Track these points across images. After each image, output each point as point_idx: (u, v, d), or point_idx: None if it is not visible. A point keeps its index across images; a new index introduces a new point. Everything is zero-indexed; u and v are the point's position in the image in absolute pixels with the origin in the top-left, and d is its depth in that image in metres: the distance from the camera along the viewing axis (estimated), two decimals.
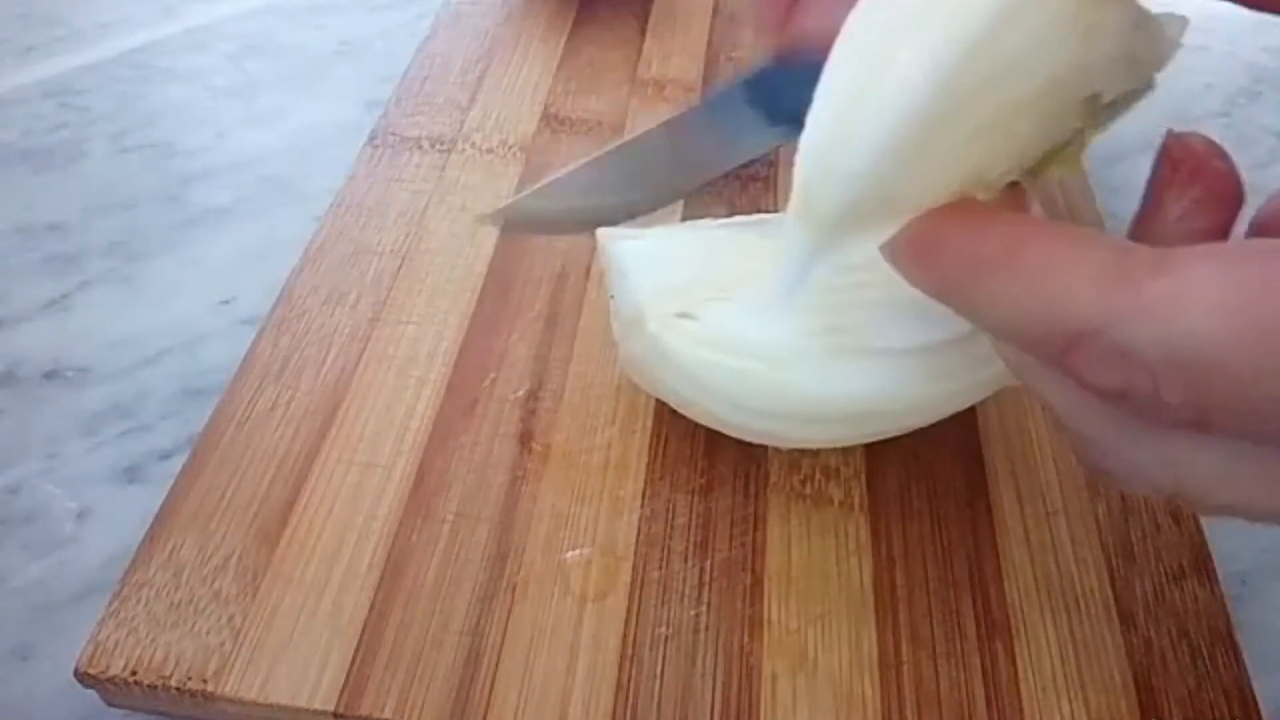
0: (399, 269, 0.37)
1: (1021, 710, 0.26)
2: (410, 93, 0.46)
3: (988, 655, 0.27)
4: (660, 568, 0.29)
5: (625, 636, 0.27)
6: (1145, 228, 0.22)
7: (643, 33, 0.50)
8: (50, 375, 0.36)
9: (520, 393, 0.33)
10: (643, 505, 0.30)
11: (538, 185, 0.35)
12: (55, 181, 0.44)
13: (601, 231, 0.31)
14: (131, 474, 0.33)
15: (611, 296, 0.30)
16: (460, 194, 0.41)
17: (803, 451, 0.32)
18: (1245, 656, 0.28)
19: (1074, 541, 0.30)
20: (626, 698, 0.26)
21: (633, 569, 0.29)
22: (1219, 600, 0.29)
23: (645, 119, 0.44)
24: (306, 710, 0.26)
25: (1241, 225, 0.22)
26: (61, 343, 0.37)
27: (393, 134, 0.43)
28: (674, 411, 0.31)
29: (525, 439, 0.32)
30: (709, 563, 0.29)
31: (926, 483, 0.31)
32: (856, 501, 0.31)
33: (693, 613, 0.28)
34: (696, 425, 0.31)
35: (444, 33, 0.50)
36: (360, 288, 0.37)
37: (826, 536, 0.30)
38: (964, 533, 0.30)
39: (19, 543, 0.31)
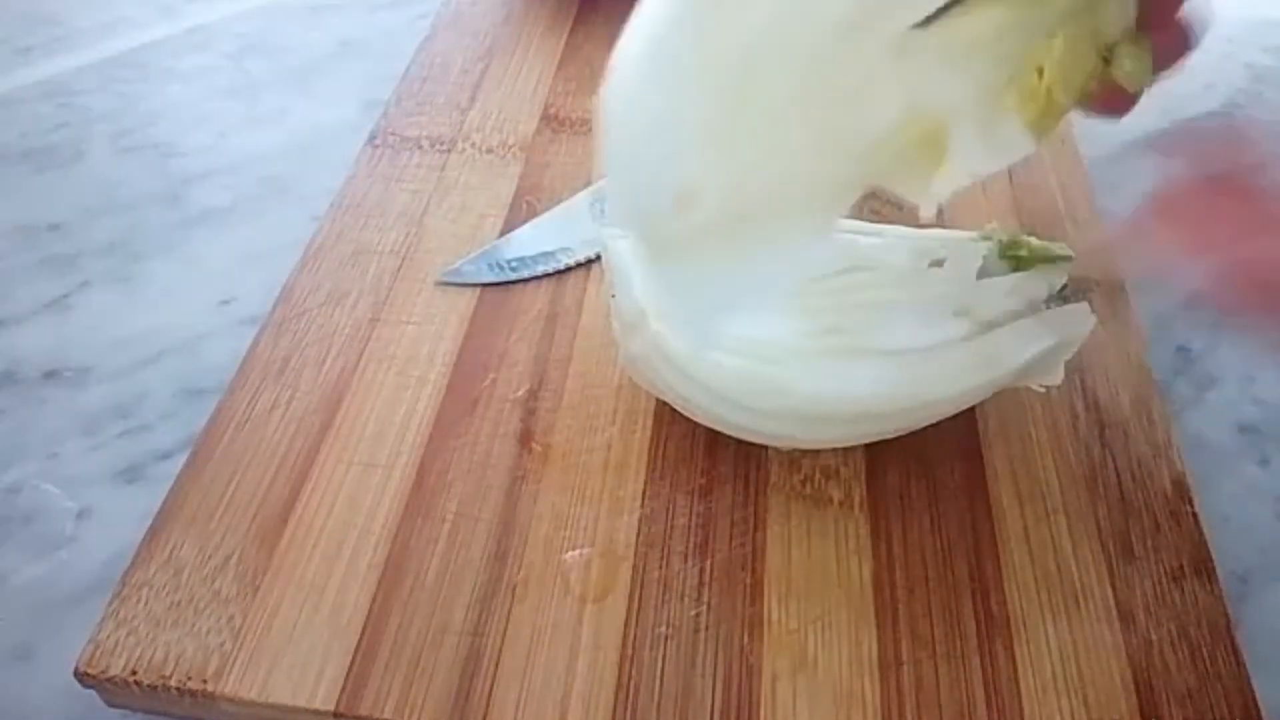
0: (399, 269, 0.37)
1: (1021, 710, 0.26)
2: (410, 93, 0.46)
3: (988, 655, 0.27)
4: (660, 568, 0.29)
5: (625, 636, 0.27)
6: None
7: None
8: (50, 375, 0.36)
9: (520, 393, 0.33)
10: (643, 505, 0.30)
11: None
12: (55, 181, 0.44)
13: (604, 231, 0.31)
14: (131, 474, 0.33)
15: (612, 296, 0.30)
16: (460, 194, 0.41)
17: (803, 451, 0.32)
18: (1245, 656, 0.28)
19: (1074, 541, 0.30)
20: (626, 698, 0.26)
21: (633, 569, 0.29)
22: (1219, 600, 0.29)
23: None
24: (306, 710, 0.26)
25: None
26: (61, 343, 0.37)
27: (393, 134, 0.43)
28: (674, 411, 0.31)
29: (525, 439, 0.32)
30: (709, 563, 0.29)
31: (926, 483, 0.31)
32: (856, 501, 0.31)
33: (693, 613, 0.28)
34: (696, 425, 0.31)
35: (444, 33, 0.50)
36: (360, 288, 0.37)
37: (826, 536, 0.30)
38: (964, 533, 0.30)
39: (19, 543, 0.31)
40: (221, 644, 0.27)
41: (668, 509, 0.30)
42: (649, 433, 0.32)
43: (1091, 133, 0.43)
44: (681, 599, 0.28)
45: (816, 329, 0.28)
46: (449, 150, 0.43)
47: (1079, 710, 0.26)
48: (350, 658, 0.27)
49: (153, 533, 0.29)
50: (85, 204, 0.43)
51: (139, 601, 0.28)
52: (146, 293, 0.39)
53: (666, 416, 0.32)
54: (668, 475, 0.31)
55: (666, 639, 0.27)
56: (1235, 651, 0.28)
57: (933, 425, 0.30)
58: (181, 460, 0.31)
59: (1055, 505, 0.31)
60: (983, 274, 0.31)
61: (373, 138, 0.43)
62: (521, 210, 0.40)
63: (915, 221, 0.30)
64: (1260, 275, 0.26)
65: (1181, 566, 0.29)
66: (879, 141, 0.25)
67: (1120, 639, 0.28)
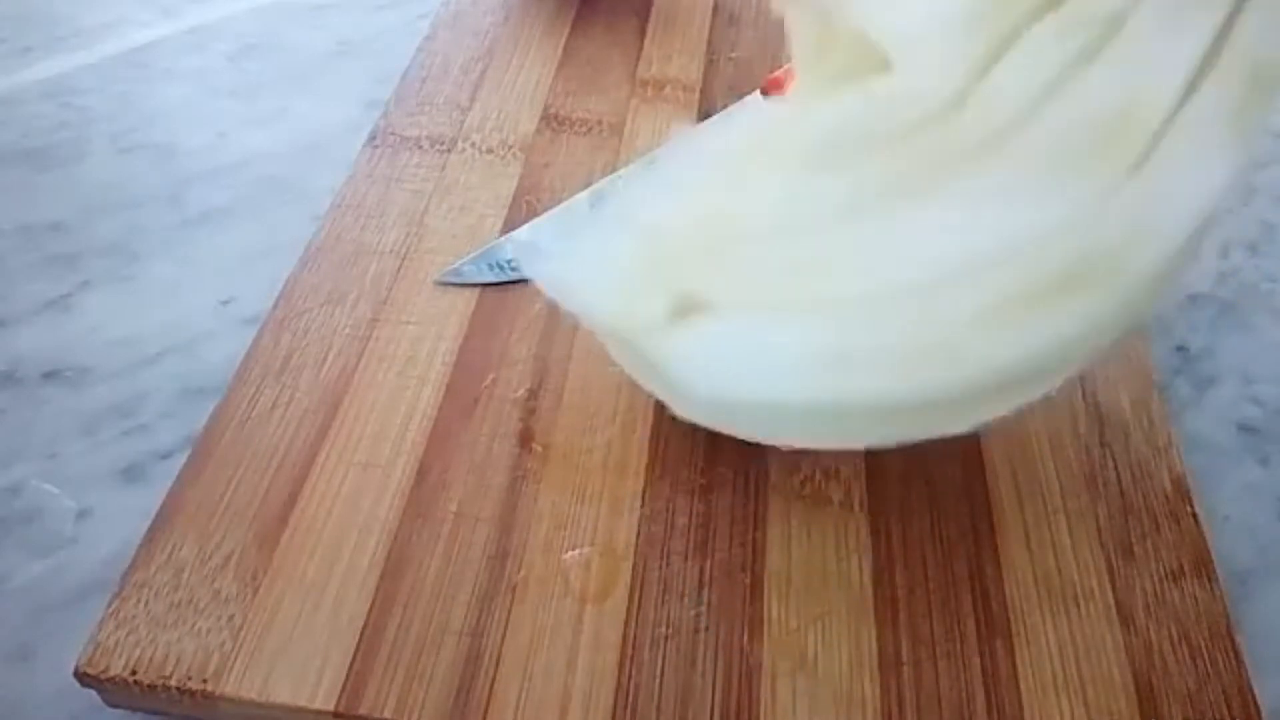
0: (399, 269, 0.37)
1: (1021, 710, 0.26)
2: (410, 93, 0.46)
3: (988, 655, 0.27)
4: (660, 568, 0.29)
5: (625, 636, 0.27)
6: None
7: (643, 33, 0.50)
8: (50, 375, 0.36)
9: (520, 393, 0.33)
10: (643, 505, 0.30)
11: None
12: (55, 181, 0.44)
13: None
14: (131, 474, 0.33)
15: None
16: (460, 194, 0.41)
17: (803, 451, 0.32)
18: (1245, 656, 0.28)
19: (1074, 541, 0.30)
20: (626, 698, 0.26)
21: (633, 569, 0.29)
22: (1219, 600, 0.29)
23: (645, 119, 0.44)
24: (306, 710, 0.26)
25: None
26: (61, 343, 0.37)
27: (393, 134, 0.43)
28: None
29: (525, 439, 0.32)
30: (709, 563, 0.29)
31: (926, 483, 0.31)
32: (856, 501, 0.31)
33: (693, 613, 0.28)
34: (696, 425, 0.31)
35: (444, 33, 0.50)
36: (360, 288, 0.37)
37: (826, 536, 0.30)
38: (964, 532, 0.30)
39: (19, 543, 0.31)
40: (221, 644, 0.27)
41: (668, 509, 0.30)
42: (649, 433, 0.32)
43: None
44: (681, 599, 0.28)
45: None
46: (449, 150, 0.43)
47: (1079, 710, 0.26)
48: (350, 657, 0.27)
49: (153, 533, 0.29)
50: (85, 204, 0.43)
51: (139, 601, 0.28)
52: (146, 293, 0.39)
53: (666, 416, 0.32)
54: (668, 475, 0.31)
55: (666, 639, 0.27)
56: (1235, 652, 0.28)
57: None
58: (181, 460, 0.31)
59: (1055, 505, 0.31)
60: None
61: (373, 138, 0.43)
62: (521, 210, 0.40)
63: None
64: None
65: (1181, 566, 0.29)
66: None
67: (1120, 639, 0.28)
